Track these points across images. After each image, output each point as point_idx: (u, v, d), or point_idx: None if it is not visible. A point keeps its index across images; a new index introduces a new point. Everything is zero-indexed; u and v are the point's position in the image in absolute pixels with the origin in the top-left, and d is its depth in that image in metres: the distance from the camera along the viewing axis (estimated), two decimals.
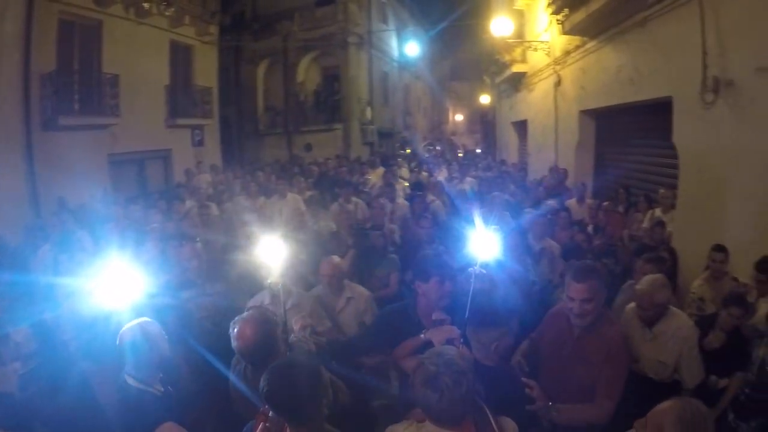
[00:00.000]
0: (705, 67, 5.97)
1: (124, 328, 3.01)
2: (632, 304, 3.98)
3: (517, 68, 14.96)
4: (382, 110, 26.19)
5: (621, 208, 8.22)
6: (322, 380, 2.36)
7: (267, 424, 2.38)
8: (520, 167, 15.55)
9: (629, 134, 9.43)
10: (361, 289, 4.84)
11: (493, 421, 2.32)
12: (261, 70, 23.95)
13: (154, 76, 15.24)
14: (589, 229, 7.52)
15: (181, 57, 16.89)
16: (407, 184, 11.28)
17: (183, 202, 9.58)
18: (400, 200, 9.25)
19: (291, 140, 23.05)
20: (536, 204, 8.25)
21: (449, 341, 2.93)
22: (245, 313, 3.07)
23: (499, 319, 2.82)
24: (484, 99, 27.61)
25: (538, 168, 13.47)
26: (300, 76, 23.75)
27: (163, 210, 8.82)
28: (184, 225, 7.69)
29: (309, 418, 2.28)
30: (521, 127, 17.16)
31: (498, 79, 17.78)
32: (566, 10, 9.68)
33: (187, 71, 17.30)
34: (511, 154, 18.87)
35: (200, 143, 17.56)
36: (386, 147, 25.30)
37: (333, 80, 24.10)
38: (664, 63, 7.09)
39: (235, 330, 2.91)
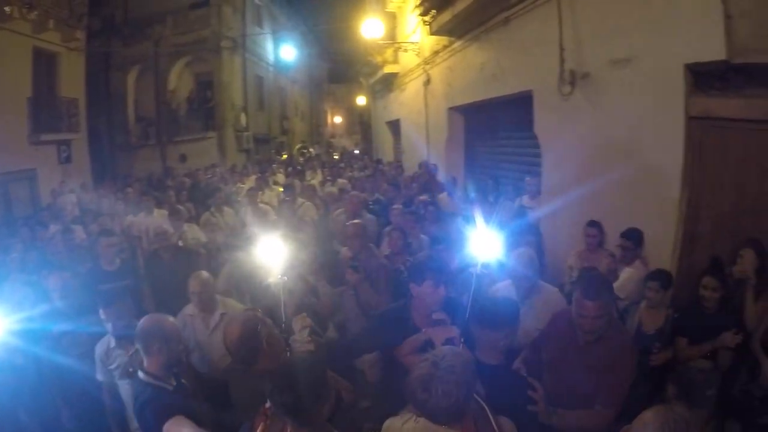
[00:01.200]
0: (562, 61, 6.13)
1: (141, 326, 2.94)
2: (504, 282, 4.12)
3: (389, 69, 15.05)
4: (258, 116, 25.11)
5: (491, 198, 8.32)
6: (326, 381, 2.35)
7: (267, 423, 2.33)
8: (395, 165, 15.54)
9: (496, 127, 9.61)
10: (235, 303, 4.50)
11: (493, 421, 2.26)
12: (131, 77, 22.00)
13: (15, 88, 13.42)
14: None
15: (45, 65, 15.00)
16: (282, 189, 10.81)
17: (47, 226, 8.25)
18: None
19: (165, 151, 21.39)
20: (408, 200, 8.16)
21: (449, 341, 2.84)
22: (235, 313, 3.23)
23: (503, 320, 2.73)
24: (361, 100, 27.62)
25: (413, 165, 13.44)
26: (172, 83, 22.13)
27: (25, 237, 7.68)
28: (48, 252, 6.78)
29: (312, 419, 2.24)
30: (395, 126, 17.25)
31: (372, 80, 17.81)
32: (433, 12, 9.70)
33: (51, 81, 15.37)
34: (387, 153, 18.98)
35: (68, 160, 15.73)
36: (263, 153, 24.24)
37: (206, 87, 22.74)
38: (525, 59, 7.25)
39: (224, 329, 2.96)
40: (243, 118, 22.76)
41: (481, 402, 2.29)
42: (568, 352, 3.10)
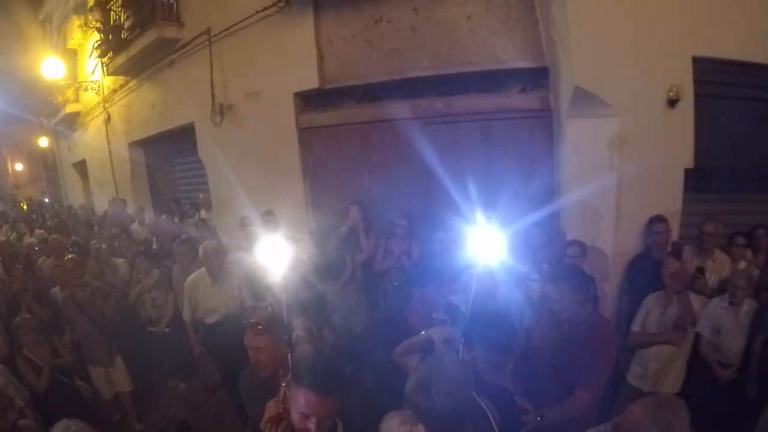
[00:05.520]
0: (213, 96, 6.96)
1: None
2: (198, 272, 4.67)
3: (70, 108, 13.66)
4: None
5: (176, 219, 8.43)
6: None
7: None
8: (88, 208, 14.18)
9: (171, 156, 9.83)
10: None
11: (494, 423, 2.09)
12: None
13: None
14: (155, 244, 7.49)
15: None
16: None
17: None
18: None
19: None
20: (100, 237, 7.91)
21: (449, 340, 2.65)
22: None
23: (508, 342, 2.54)
24: (44, 142, 24.19)
25: (104, 204, 12.38)
26: None
27: None
28: None
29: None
30: (82, 166, 15.53)
31: (54, 120, 16.09)
32: (110, 54, 9.53)
33: None
34: (78, 196, 16.95)
35: None
36: None
37: None
38: (187, 96, 7.75)
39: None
40: None
41: (483, 404, 2.12)
42: (552, 336, 3.00)
